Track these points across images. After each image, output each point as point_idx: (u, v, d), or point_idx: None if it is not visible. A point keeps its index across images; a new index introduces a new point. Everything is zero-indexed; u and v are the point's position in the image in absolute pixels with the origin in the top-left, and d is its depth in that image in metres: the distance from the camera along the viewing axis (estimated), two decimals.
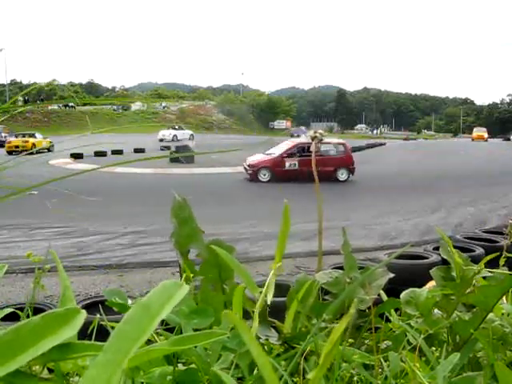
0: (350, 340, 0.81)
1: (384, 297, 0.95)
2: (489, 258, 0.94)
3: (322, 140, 1.01)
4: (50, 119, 63.30)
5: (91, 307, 2.78)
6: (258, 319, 0.71)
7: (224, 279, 0.84)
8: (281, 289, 1.24)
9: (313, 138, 1.01)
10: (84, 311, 0.45)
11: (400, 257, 3.65)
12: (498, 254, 1.07)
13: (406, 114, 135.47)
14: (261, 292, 0.77)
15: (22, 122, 55.49)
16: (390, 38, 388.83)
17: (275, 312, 0.83)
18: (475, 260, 0.98)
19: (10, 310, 0.82)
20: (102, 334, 0.61)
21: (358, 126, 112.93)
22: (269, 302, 0.70)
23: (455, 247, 0.97)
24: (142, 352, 0.48)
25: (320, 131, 1.02)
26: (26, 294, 3.99)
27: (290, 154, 15.00)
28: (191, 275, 0.83)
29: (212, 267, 0.84)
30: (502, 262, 1.05)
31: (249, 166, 15.58)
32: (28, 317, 0.78)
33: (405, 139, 62.03)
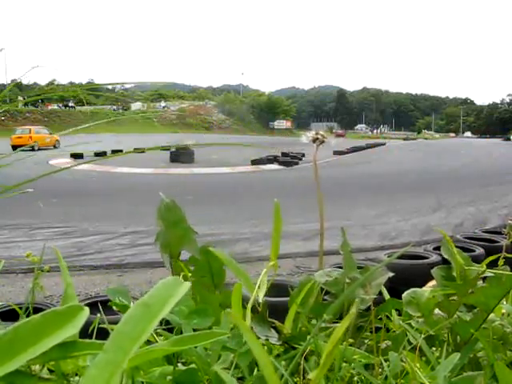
0: (350, 340, 0.81)
1: (386, 295, 0.95)
2: (490, 259, 0.94)
3: (323, 142, 1.00)
4: (50, 119, 63.26)
5: (91, 307, 2.78)
6: (251, 316, 0.71)
7: (216, 284, 0.83)
8: (281, 289, 1.24)
9: (314, 140, 1.00)
10: (87, 308, 0.45)
11: (400, 257, 3.65)
12: (500, 255, 1.07)
13: (406, 113, 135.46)
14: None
15: (21, 121, 55.49)
16: (390, 38, 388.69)
17: (276, 312, 0.83)
18: (475, 260, 0.98)
19: (8, 304, 0.82)
20: (102, 334, 0.61)
21: (358, 126, 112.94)
22: (260, 300, 0.70)
23: (455, 247, 0.97)
24: (143, 352, 0.48)
25: (321, 133, 1.01)
26: (26, 294, 3.99)
27: None
28: (189, 274, 0.83)
29: (204, 272, 0.83)
30: (500, 262, 1.05)
31: None
32: (28, 317, 0.78)
33: (404, 139, 62.27)
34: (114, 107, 75.63)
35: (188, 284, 0.48)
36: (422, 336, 0.78)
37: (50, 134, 29.68)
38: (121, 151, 24.88)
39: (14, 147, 24.83)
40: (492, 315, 0.81)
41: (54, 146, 28.88)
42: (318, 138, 0.99)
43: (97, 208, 9.31)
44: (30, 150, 24.60)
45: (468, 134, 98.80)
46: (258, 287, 0.70)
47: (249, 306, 0.70)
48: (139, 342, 0.40)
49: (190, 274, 0.83)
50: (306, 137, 1.03)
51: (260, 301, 0.70)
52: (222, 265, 0.82)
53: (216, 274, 0.83)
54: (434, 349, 0.81)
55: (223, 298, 0.80)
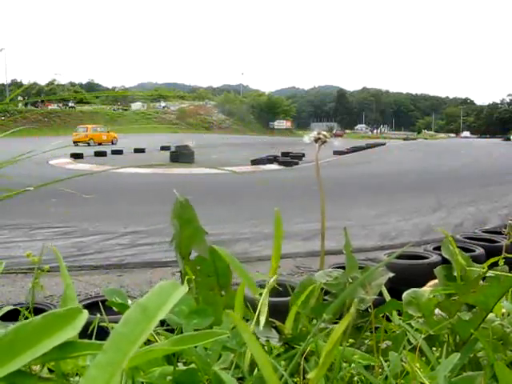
0: (350, 340, 0.81)
1: (387, 296, 0.95)
2: (492, 260, 0.94)
3: (325, 142, 1.00)
4: (50, 119, 63.26)
5: (91, 307, 2.78)
6: (258, 321, 0.71)
7: (222, 285, 0.83)
8: (281, 289, 1.24)
9: (316, 140, 1.00)
10: (86, 311, 0.45)
11: (400, 257, 3.65)
12: (501, 256, 1.07)
13: (406, 113, 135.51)
14: (260, 294, 0.77)
15: (21, 121, 55.51)
16: (390, 38, 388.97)
17: (277, 312, 0.83)
18: (475, 260, 0.98)
19: (8, 308, 0.82)
20: (102, 334, 0.61)
21: (358, 126, 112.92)
22: (262, 325, 0.69)
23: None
24: (143, 352, 0.48)
25: (324, 132, 1.01)
26: (26, 294, 3.99)
27: None
28: (193, 277, 0.82)
29: (210, 272, 0.83)
30: (501, 262, 1.05)
31: None
32: (28, 317, 0.78)
33: (404, 139, 62.29)
34: (114, 107, 75.65)
35: (185, 288, 0.48)
36: (422, 336, 0.78)
37: (108, 131, 36.22)
38: (121, 151, 24.95)
39: (75, 143, 32.10)
40: (492, 315, 0.81)
41: (112, 143, 34.79)
42: (320, 138, 0.99)
43: (97, 208, 9.31)
44: (86, 145, 32.12)
45: (466, 133, 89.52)
46: (260, 309, 0.70)
47: (258, 311, 0.70)
48: (138, 343, 0.41)
49: (193, 276, 0.82)
50: (309, 137, 1.03)
51: (262, 325, 0.69)
52: (228, 265, 0.82)
53: (222, 274, 0.82)
54: (434, 349, 0.81)
55: (228, 299, 0.80)
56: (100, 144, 33.67)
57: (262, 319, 0.69)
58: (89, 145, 33.31)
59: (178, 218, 0.84)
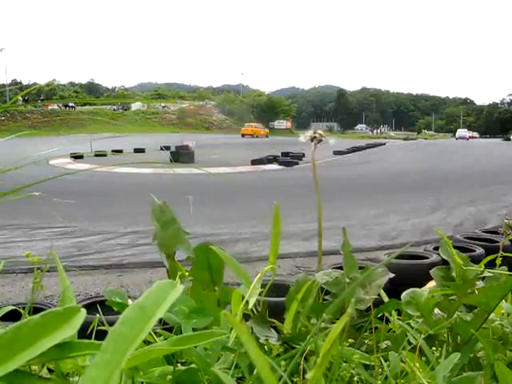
0: (350, 340, 0.81)
1: (385, 297, 0.95)
2: (489, 258, 0.94)
3: (321, 141, 1.00)
4: (50, 119, 63.21)
5: (91, 307, 2.78)
6: (251, 316, 0.71)
7: (215, 281, 0.84)
8: (282, 289, 1.24)
9: (312, 139, 1.00)
10: (84, 310, 0.45)
11: (400, 257, 3.65)
12: (498, 254, 1.07)
13: (406, 113, 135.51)
14: (260, 293, 0.77)
15: (21, 121, 55.54)
16: (390, 38, 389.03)
17: (277, 312, 0.83)
18: (475, 260, 0.98)
19: (9, 307, 0.82)
20: (103, 334, 0.61)
21: (358, 126, 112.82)
22: (251, 305, 0.70)
23: (455, 247, 0.97)
24: (143, 352, 0.48)
25: (319, 131, 1.00)
26: (26, 294, 3.98)
27: None
28: (186, 273, 0.83)
29: (203, 269, 0.84)
30: (498, 261, 1.05)
31: None
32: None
33: (404, 139, 62.11)
34: (114, 107, 75.61)
35: (182, 287, 0.49)
36: (422, 336, 0.78)
37: (264, 129, 53.46)
38: (121, 151, 24.93)
39: (243, 135, 48.88)
40: (492, 315, 0.80)
41: (266, 136, 50.27)
42: (315, 137, 0.99)
43: (97, 208, 9.31)
44: (251, 137, 47.21)
45: (463, 133, 67.55)
46: (251, 291, 0.71)
47: (240, 308, 0.70)
48: (136, 343, 0.41)
49: (186, 274, 0.83)
50: (304, 136, 1.02)
51: (251, 306, 0.70)
52: (221, 262, 0.83)
53: (215, 271, 0.83)
54: (433, 349, 0.81)
55: (222, 295, 0.81)
56: (258, 137, 48.36)
57: (252, 301, 0.70)
58: (252, 137, 48.37)
59: (158, 220, 0.86)
